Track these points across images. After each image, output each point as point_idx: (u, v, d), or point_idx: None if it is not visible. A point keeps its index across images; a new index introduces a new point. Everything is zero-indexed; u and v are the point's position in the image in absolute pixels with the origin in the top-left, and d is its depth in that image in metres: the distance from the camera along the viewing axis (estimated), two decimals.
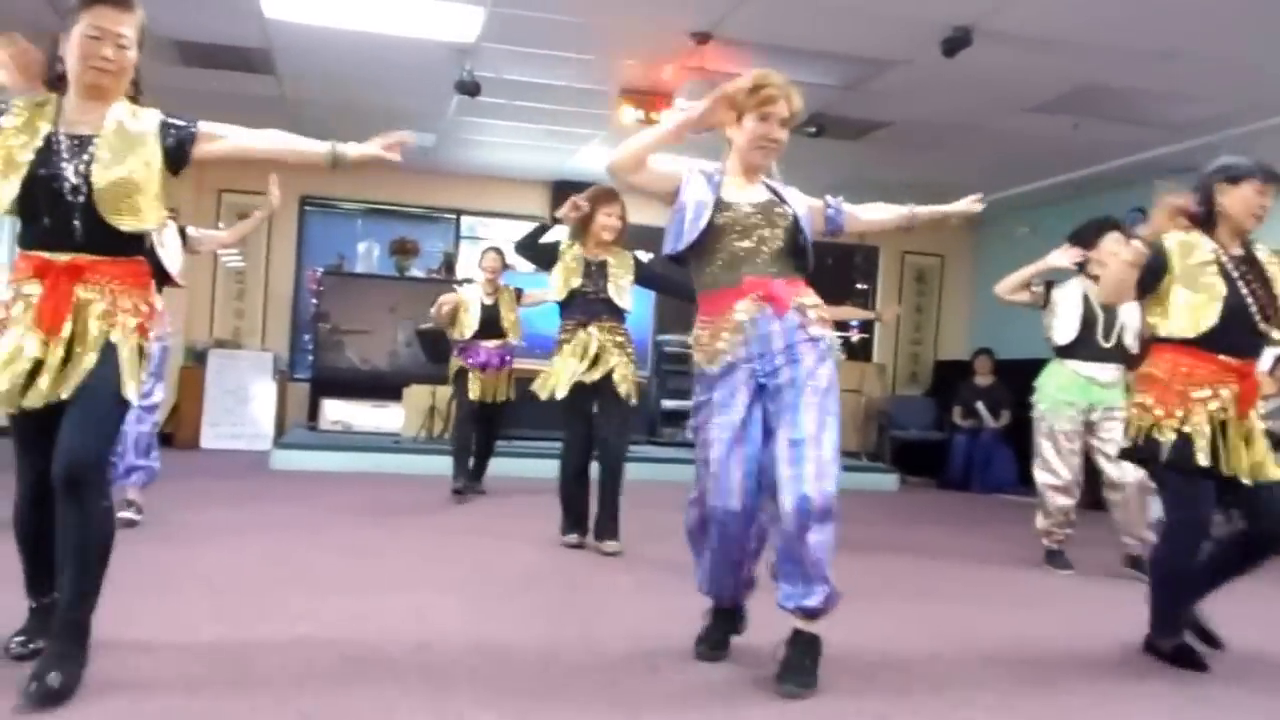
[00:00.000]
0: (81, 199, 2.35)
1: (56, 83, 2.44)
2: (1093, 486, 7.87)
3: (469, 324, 6.24)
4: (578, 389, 4.58)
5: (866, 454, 9.97)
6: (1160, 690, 2.88)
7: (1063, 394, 4.73)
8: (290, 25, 6.16)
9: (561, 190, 10.02)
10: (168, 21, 6.06)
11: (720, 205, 2.80)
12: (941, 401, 10.37)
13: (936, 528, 6.43)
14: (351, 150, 2.61)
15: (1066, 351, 4.79)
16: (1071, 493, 4.75)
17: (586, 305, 4.67)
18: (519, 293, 6.38)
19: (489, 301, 6.30)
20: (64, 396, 2.32)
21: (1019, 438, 9.45)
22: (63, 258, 2.36)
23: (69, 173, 2.35)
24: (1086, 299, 4.76)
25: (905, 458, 9.98)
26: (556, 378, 4.60)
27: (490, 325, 6.26)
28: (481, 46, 6.38)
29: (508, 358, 6.36)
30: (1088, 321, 4.71)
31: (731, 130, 2.86)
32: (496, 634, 3.10)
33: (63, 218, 2.35)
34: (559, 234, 4.93)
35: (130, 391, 2.40)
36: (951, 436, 9.67)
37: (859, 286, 10.49)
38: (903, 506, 7.82)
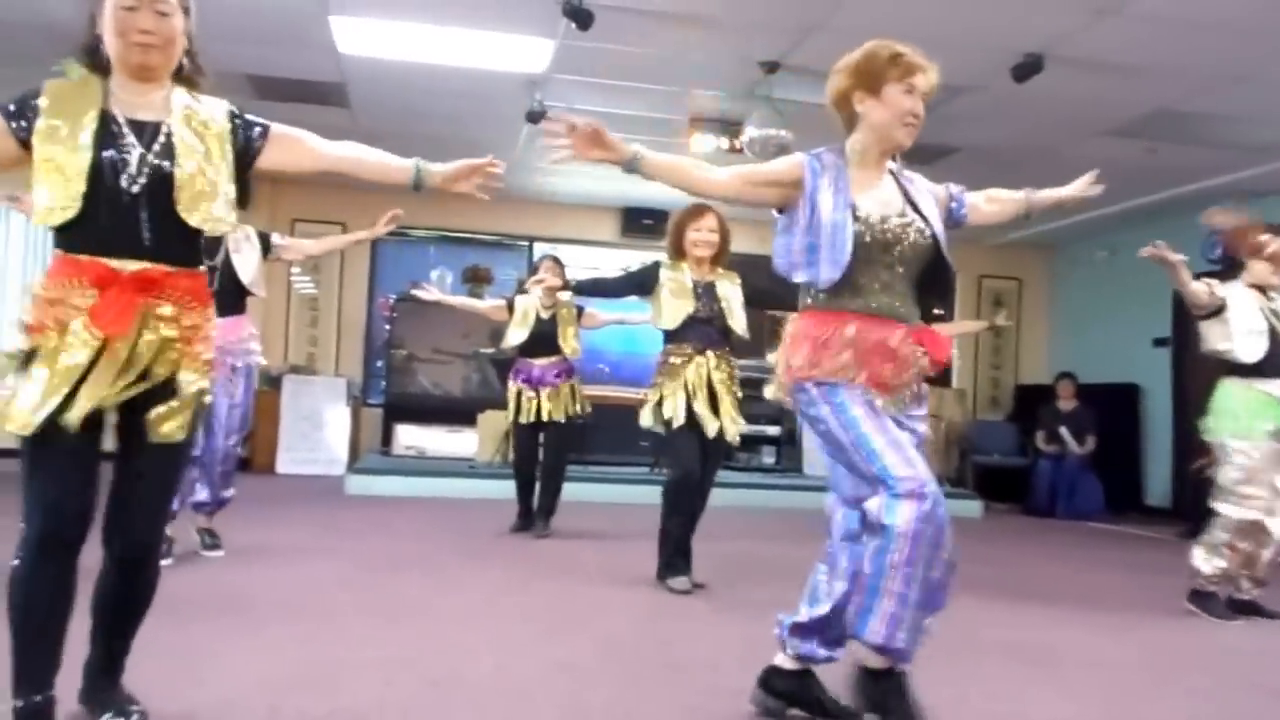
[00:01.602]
0: (148, 194, 2.02)
1: (100, 67, 2.09)
2: (1193, 514, 7.61)
3: (516, 335, 5.79)
4: (690, 419, 4.25)
5: (949, 480, 9.76)
6: None
7: (1256, 418, 4.10)
8: (364, 60, 6.28)
9: (632, 216, 10.07)
10: (243, 57, 6.23)
11: (855, 215, 2.41)
12: (1023, 426, 10.13)
13: (1026, 557, 6.21)
14: (436, 169, 2.34)
15: (1254, 369, 4.18)
16: (1261, 537, 4.12)
17: (701, 332, 4.28)
18: (580, 310, 5.91)
19: (546, 315, 5.79)
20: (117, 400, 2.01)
21: (1105, 463, 9.21)
22: (130, 266, 2.01)
23: (134, 163, 2.01)
24: (1266, 313, 4.24)
25: (988, 483, 9.75)
26: (670, 408, 4.21)
27: (545, 340, 5.76)
28: (552, 77, 6.42)
29: (561, 375, 5.80)
30: (1274, 335, 4.17)
31: (863, 104, 2.43)
32: (575, 659, 3.08)
33: (127, 217, 2.01)
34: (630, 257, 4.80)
35: (194, 439, 2.17)
36: (1035, 462, 9.43)
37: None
38: (988, 533, 7.61)
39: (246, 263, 4.47)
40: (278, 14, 5.61)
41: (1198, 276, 4.38)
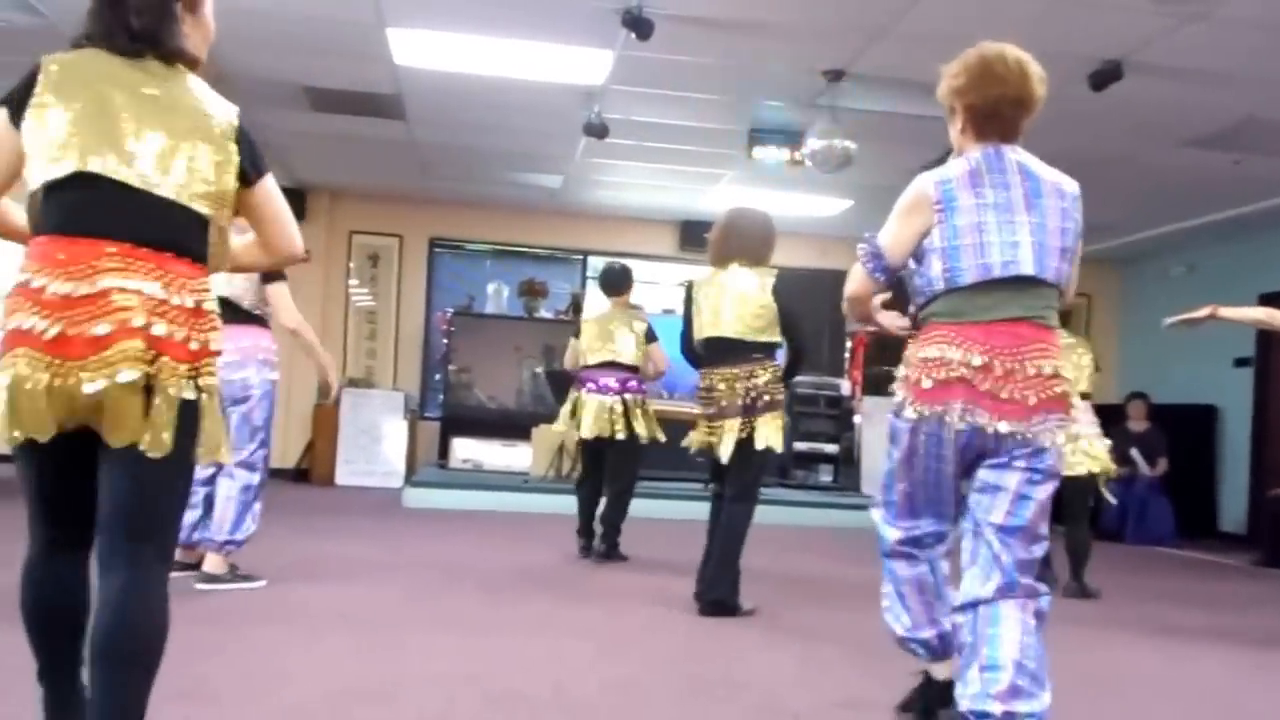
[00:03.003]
0: None
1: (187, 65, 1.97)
2: (1269, 541, 7.27)
3: None
4: None
5: None
6: None
7: None
8: (421, 71, 6.29)
9: (689, 230, 9.98)
10: (300, 69, 6.29)
11: None
12: None
13: (1095, 580, 5.97)
14: None
15: None
16: None
17: None
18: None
19: None
20: None
21: (1178, 487, 8.86)
22: None
23: None
24: None
25: (1055, 505, 9.38)
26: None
27: None
28: (610, 89, 6.37)
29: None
30: None
31: None
32: (632, 677, 3.07)
33: None
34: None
35: None
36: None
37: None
38: (1055, 556, 7.32)
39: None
40: (335, 26, 5.63)
41: None
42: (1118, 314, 10.77)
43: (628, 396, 5.43)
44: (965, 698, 2.23)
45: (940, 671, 2.58)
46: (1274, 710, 3.23)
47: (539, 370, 9.34)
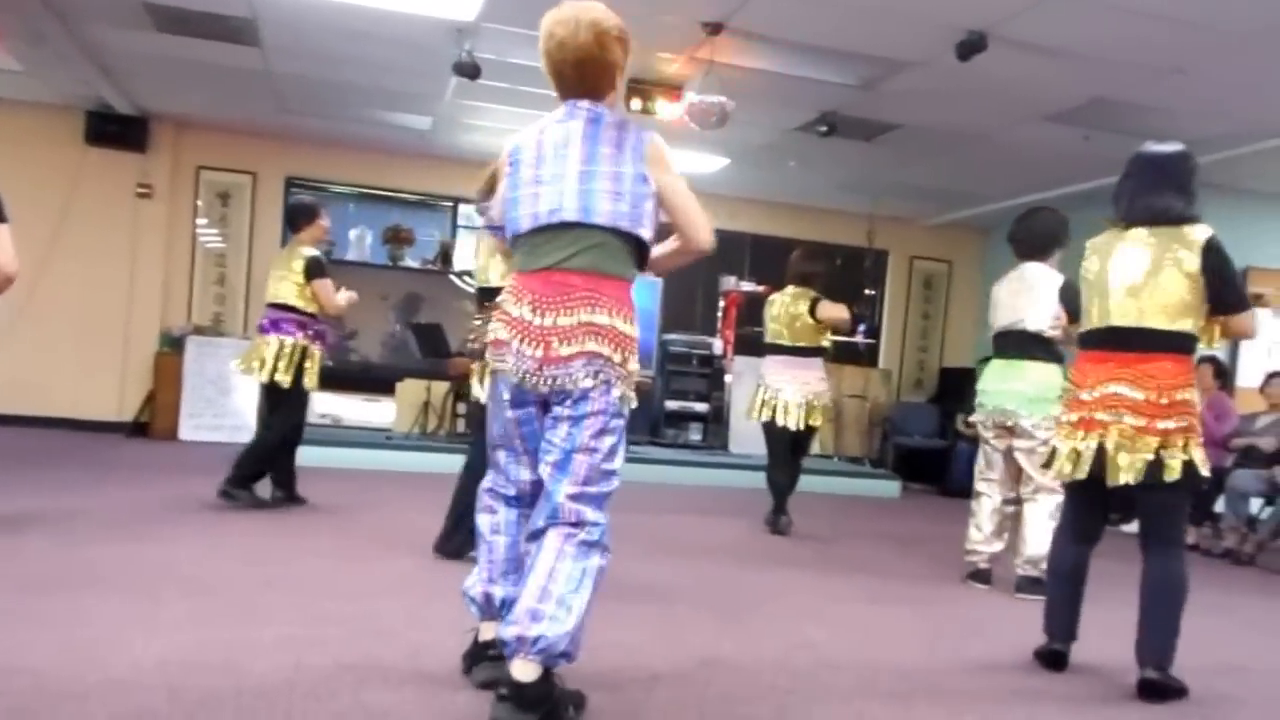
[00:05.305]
0: None
1: None
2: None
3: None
4: None
5: (869, 460, 9.80)
6: None
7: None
8: None
9: None
10: None
11: None
12: (946, 409, 10.18)
13: (940, 535, 6.19)
14: None
15: None
16: None
17: None
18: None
19: None
20: None
21: None
22: None
23: None
24: None
25: (908, 464, 9.80)
26: None
27: None
28: (482, 26, 6.06)
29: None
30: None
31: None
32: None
33: None
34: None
35: None
36: (955, 444, 9.48)
37: (866, 291, 10.29)
38: (904, 513, 7.69)
39: None
40: None
41: None
42: (978, 280, 11.15)
43: (303, 340, 5.25)
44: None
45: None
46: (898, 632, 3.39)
47: (404, 323, 9.01)
